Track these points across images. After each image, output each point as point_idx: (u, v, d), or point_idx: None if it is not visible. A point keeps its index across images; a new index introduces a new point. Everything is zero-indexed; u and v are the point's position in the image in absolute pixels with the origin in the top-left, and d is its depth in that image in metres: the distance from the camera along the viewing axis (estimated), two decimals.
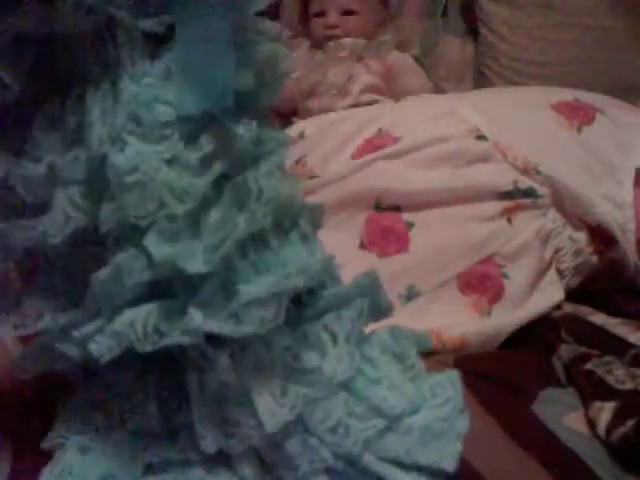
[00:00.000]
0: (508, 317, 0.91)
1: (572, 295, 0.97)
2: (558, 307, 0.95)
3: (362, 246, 0.94)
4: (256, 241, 0.59)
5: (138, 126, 0.54)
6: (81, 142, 0.55)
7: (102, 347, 0.56)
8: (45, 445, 0.65)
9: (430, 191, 0.96)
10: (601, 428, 0.71)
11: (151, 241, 0.55)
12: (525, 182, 0.96)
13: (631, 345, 0.85)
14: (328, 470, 0.61)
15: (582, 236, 0.98)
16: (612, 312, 0.93)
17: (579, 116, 1.03)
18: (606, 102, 1.09)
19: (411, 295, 0.91)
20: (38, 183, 0.56)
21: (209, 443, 0.60)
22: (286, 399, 0.59)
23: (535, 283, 0.95)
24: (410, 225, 0.94)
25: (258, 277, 0.58)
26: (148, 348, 0.56)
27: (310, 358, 0.61)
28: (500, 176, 0.97)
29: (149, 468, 0.63)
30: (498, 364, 0.85)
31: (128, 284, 0.56)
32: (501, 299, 0.92)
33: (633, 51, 1.34)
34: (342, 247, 0.94)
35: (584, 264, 0.98)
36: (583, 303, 0.96)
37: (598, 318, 0.92)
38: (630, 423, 0.69)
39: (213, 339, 0.58)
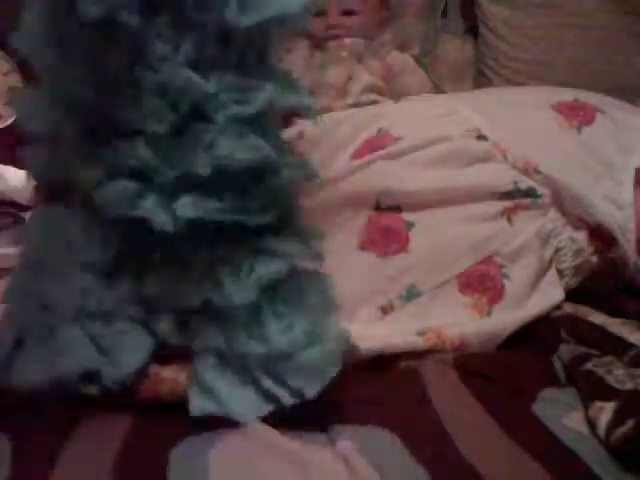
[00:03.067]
0: (508, 317, 0.91)
1: (572, 295, 0.97)
2: (558, 307, 0.95)
3: (362, 246, 0.94)
4: None
5: None
6: None
7: None
8: None
9: (430, 191, 0.96)
10: (601, 428, 0.71)
11: None
12: (525, 182, 0.96)
13: (631, 345, 0.85)
14: None
15: (582, 236, 0.98)
16: (612, 312, 0.93)
17: (579, 116, 1.03)
18: (606, 102, 1.08)
19: (411, 295, 0.91)
20: None
21: None
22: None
23: (535, 283, 0.95)
24: (410, 225, 0.94)
25: None
26: None
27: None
28: (500, 176, 0.97)
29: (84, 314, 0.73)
30: (498, 364, 0.85)
31: None
32: (501, 299, 0.92)
33: (633, 51, 1.34)
34: (342, 247, 0.94)
35: (584, 264, 0.98)
36: (583, 303, 0.96)
37: (598, 318, 0.92)
38: (630, 423, 0.68)
39: None
